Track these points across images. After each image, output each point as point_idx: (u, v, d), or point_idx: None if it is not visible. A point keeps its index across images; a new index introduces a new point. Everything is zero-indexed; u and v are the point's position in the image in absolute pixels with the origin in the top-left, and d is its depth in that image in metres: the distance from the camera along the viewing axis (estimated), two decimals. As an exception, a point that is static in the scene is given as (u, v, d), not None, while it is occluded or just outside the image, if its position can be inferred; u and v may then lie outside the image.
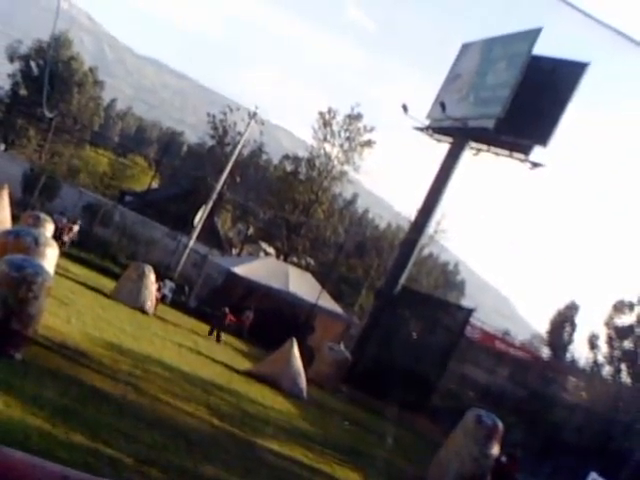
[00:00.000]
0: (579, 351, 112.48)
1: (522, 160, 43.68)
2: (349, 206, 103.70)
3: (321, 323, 48.55)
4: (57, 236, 39.14)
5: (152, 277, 35.68)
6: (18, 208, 39.71)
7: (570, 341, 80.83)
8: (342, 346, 40.58)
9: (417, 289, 62.71)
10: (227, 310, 39.79)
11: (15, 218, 35.42)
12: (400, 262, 46.21)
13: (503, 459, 22.23)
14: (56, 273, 20.86)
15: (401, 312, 44.20)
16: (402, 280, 45.21)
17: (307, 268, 68.42)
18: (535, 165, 43.43)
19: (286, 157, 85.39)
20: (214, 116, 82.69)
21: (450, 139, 46.29)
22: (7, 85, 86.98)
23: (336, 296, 56.94)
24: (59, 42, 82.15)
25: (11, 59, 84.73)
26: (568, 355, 78.14)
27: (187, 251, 52.04)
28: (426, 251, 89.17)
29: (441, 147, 47.07)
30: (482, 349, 54.23)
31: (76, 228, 47.92)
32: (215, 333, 37.98)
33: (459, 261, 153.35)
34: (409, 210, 60.55)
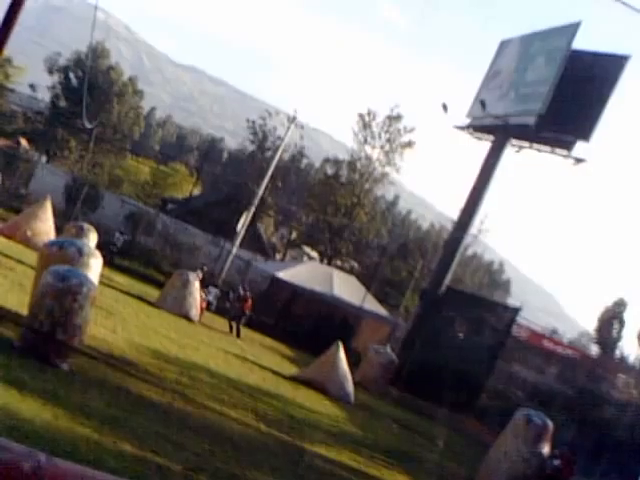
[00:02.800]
0: (628, 348, 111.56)
1: (565, 156, 43.33)
2: (391, 208, 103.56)
3: (367, 326, 48.41)
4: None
5: (196, 284, 35.68)
6: (61, 219, 39.96)
7: (619, 338, 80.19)
8: (388, 348, 40.37)
9: (462, 289, 62.36)
10: (247, 294, 39.78)
11: (59, 229, 35.68)
12: (444, 262, 45.98)
13: (556, 462, 21.89)
14: (100, 283, 20.86)
15: (447, 313, 43.95)
16: (447, 280, 45.00)
17: (351, 271, 68.24)
18: (578, 161, 43.07)
19: (327, 160, 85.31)
20: (253, 122, 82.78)
21: (491, 137, 46.00)
22: (47, 97, 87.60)
23: (381, 298, 56.69)
24: (97, 53, 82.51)
25: (50, 71, 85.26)
26: (617, 352, 77.49)
27: (231, 257, 52.07)
28: (470, 251, 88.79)
29: (482, 145, 46.83)
30: (530, 348, 53.81)
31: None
32: (234, 328, 37.78)
33: (503, 260, 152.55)
34: (451, 210, 60.24)
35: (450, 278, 45.70)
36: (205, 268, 41.31)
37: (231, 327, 37.74)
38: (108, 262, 44.52)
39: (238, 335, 37.32)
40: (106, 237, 43.28)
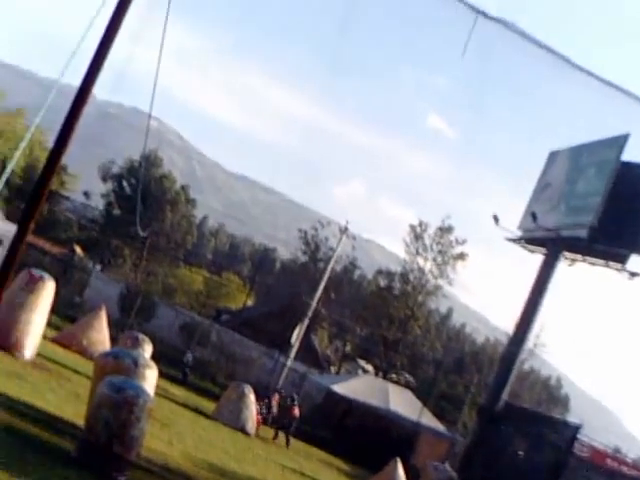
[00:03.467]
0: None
1: (619, 270, 42.52)
2: (445, 321, 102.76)
3: (424, 441, 47.44)
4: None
5: (252, 397, 35.14)
6: (116, 329, 39.86)
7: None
8: (447, 465, 39.29)
9: (520, 405, 61.06)
10: (275, 394, 39.32)
11: (113, 339, 35.50)
12: (501, 377, 45.11)
13: None
14: (156, 394, 20.49)
15: (505, 429, 42.92)
16: (504, 396, 44.00)
17: (407, 385, 67.22)
18: (633, 275, 42.20)
19: (379, 272, 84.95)
20: (305, 232, 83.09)
21: (543, 249, 45.43)
22: (101, 205, 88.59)
23: (437, 413, 55.78)
24: (150, 161, 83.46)
25: (104, 179, 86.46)
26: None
27: (285, 370, 51.54)
28: (527, 365, 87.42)
29: (535, 258, 46.21)
30: (593, 468, 52.19)
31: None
32: (277, 433, 37.07)
33: (561, 375, 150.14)
34: (506, 323, 59.40)
35: (507, 393, 44.70)
36: (282, 391, 41.37)
37: (276, 434, 37.04)
38: (182, 381, 44.47)
39: (287, 444, 36.53)
40: (175, 354, 43.54)
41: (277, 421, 38.68)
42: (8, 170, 11.25)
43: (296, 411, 38.36)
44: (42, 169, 15.45)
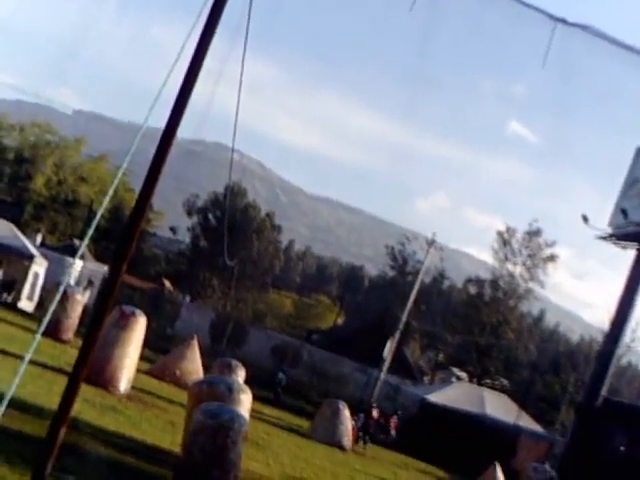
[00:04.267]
0: None
1: None
2: (538, 323, 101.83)
3: (523, 444, 47.22)
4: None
5: (346, 412, 35.37)
6: (208, 356, 40.38)
7: None
8: (547, 466, 39.07)
9: (619, 400, 60.31)
10: (374, 408, 39.46)
11: (206, 367, 36.05)
12: (598, 374, 44.71)
13: None
14: (250, 417, 20.85)
15: (605, 426, 42.44)
16: (603, 392, 43.59)
17: (502, 390, 66.88)
18: None
19: (469, 280, 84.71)
20: (392, 247, 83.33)
21: (636, 244, 44.95)
22: (187, 239, 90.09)
23: (535, 415, 55.39)
24: (234, 192, 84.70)
25: (189, 213, 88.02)
26: None
27: (379, 384, 51.77)
28: (624, 360, 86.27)
29: (628, 254, 45.78)
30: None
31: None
32: (362, 441, 37.36)
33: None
34: (600, 320, 58.82)
35: (606, 389, 44.26)
36: (374, 404, 41.81)
37: (358, 439, 37.45)
38: (275, 401, 45.01)
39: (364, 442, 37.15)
40: (267, 377, 44.02)
41: (373, 435, 38.92)
42: (98, 216, 11.74)
43: (395, 423, 38.70)
44: (132, 210, 15.98)
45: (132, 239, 15.64)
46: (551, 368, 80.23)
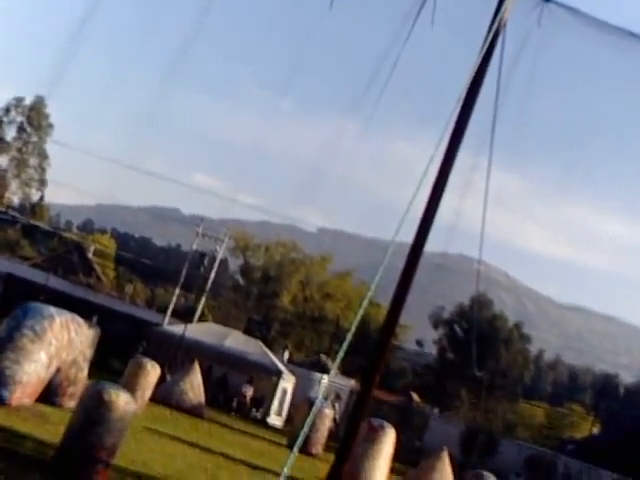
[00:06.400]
0: None
1: None
2: None
3: None
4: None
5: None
6: (459, 468, 39.93)
7: None
8: None
9: None
10: None
11: (457, 479, 35.70)
12: None
13: None
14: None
15: None
16: None
17: None
18: None
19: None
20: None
21: None
22: (434, 351, 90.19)
23: None
24: (480, 303, 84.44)
25: (435, 326, 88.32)
26: None
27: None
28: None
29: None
30: None
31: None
32: None
33: None
34: None
35: None
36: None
37: None
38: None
39: None
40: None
41: None
42: (349, 336, 12.03)
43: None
44: (382, 325, 16.24)
45: (382, 354, 15.85)
46: None
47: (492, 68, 16.42)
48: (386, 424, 27.85)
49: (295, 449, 11.33)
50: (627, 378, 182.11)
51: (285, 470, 10.44)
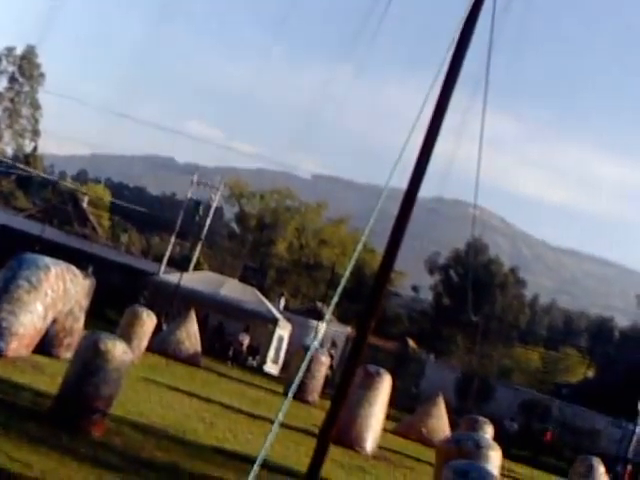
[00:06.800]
0: None
1: None
2: None
3: None
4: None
5: (601, 469, 34.17)
6: (455, 414, 40.18)
7: None
8: None
9: None
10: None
11: (453, 424, 35.93)
12: None
13: None
14: (501, 474, 20.57)
15: None
16: None
17: None
18: None
19: None
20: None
21: None
22: (429, 297, 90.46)
23: None
24: (476, 248, 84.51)
25: (431, 272, 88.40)
26: None
27: (635, 438, 49.99)
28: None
29: None
30: None
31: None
32: None
33: None
34: None
35: None
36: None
37: None
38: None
39: None
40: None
41: None
42: (343, 281, 11.96)
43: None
44: (376, 271, 16.19)
45: (378, 299, 15.83)
46: None
47: (486, 8, 16.14)
48: (382, 370, 27.89)
49: (290, 394, 11.35)
50: (622, 322, 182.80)
51: (279, 416, 10.44)
